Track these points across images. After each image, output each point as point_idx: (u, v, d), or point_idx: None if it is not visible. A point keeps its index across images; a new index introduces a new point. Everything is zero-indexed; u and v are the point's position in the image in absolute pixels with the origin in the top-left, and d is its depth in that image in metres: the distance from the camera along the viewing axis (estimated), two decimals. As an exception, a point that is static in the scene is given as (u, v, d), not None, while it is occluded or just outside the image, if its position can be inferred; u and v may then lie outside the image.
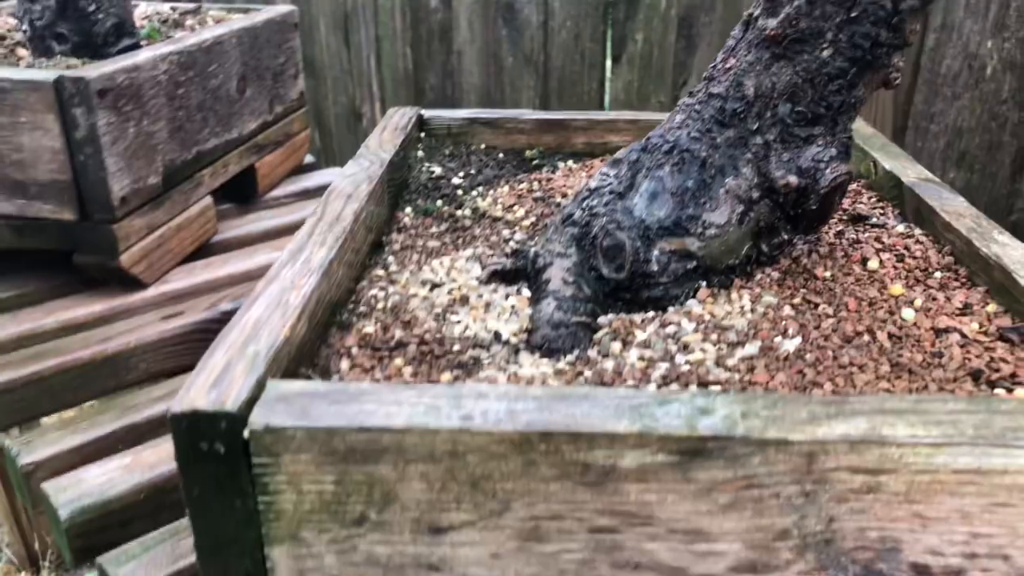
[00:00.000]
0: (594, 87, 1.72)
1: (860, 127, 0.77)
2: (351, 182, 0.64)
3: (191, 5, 1.21)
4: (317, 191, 1.22)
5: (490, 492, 0.38)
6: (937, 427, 0.37)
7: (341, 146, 2.31)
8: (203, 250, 1.03)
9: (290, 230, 1.11)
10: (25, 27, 1.00)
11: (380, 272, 0.60)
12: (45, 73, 0.82)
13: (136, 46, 1.02)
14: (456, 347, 0.50)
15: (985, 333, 0.48)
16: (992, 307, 0.50)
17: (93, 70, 0.83)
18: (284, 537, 0.39)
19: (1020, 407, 0.38)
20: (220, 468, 0.38)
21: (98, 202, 0.86)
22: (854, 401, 0.39)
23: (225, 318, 0.90)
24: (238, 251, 1.03)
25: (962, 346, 0.47)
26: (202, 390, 0.39)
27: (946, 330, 0.48)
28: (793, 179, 0.53)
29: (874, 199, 0.68)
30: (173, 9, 1.20)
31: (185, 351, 0.88)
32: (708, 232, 0.54)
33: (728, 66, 0.55)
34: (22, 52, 1.05)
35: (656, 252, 0.54)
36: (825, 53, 0.52)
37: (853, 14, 0.51)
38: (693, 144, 0.55)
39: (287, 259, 0.52)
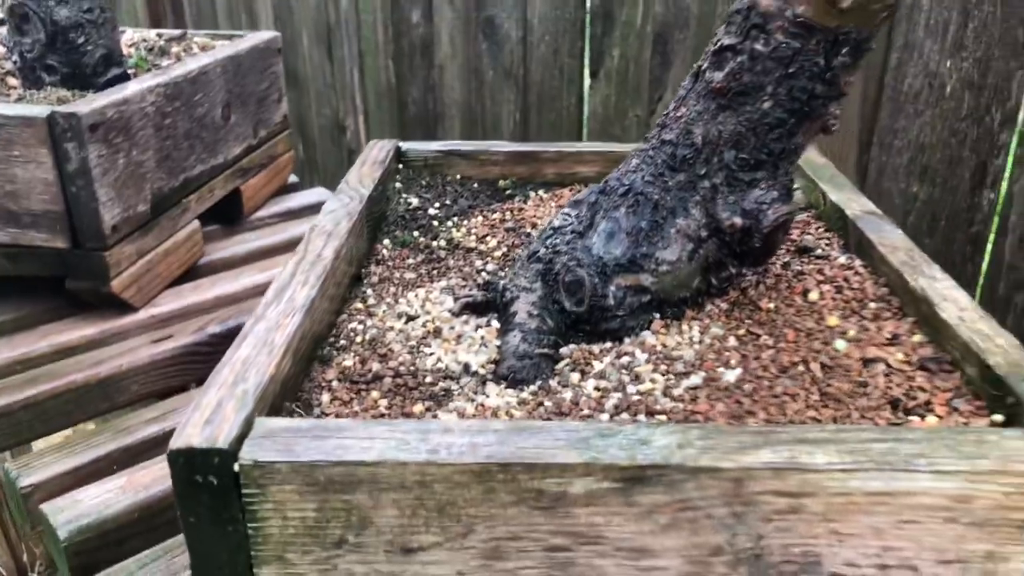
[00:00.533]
0: (573, 101, 1.77)
1: (812, 157, 0.83)
2: (332, 219, 0.69)
3: (176, 32, 1.25)
4: (301, 211, 1.26)
5: (455, 517, 0.43)
6: (850, 455, 0.42)
7: (325, 159, 2.35)
8: (191, 272, 1.07)
9: (275, 251, 1.15)
10: (15, 58, 1.04)
11: (359, 305, 0.65)
12: (38, 109, 0.87)
13: (124, 75, 1.06)
14: (428, 379, 0.55)
15: (908, 363, 0.53)
16: (918, 337, 0.56)
17: (84, 105, 0.87)
18: (271, 559, 0.44)
19: (924, 436, 0.44)
20: (213, 498, 0.43)
21: (90, 231, 0.90)
22: (779, 431, 0.44)
23: (213, 340, 0.95)
24: (224, 273, 1.08)
25: (886, 375, 0.52)
26: (197, 428, 0.44)
27: (874, 360, 0.53)
28: (738, 220, 0.58)
29: (822, 229, 0.73)
30: (159, 36, 1.24)
31: (175, 373, 0.93)
32: (661, 268, 0.59)
33: (679, 114, 0.61)
34: (12, 81, 1.10)
35: (613, 287, 0.59)
36: (766, 105, 0.57)
37: (791, 70, 0.56)
38: (647, 187, 0.60)
39: (272, 298, 0.57)
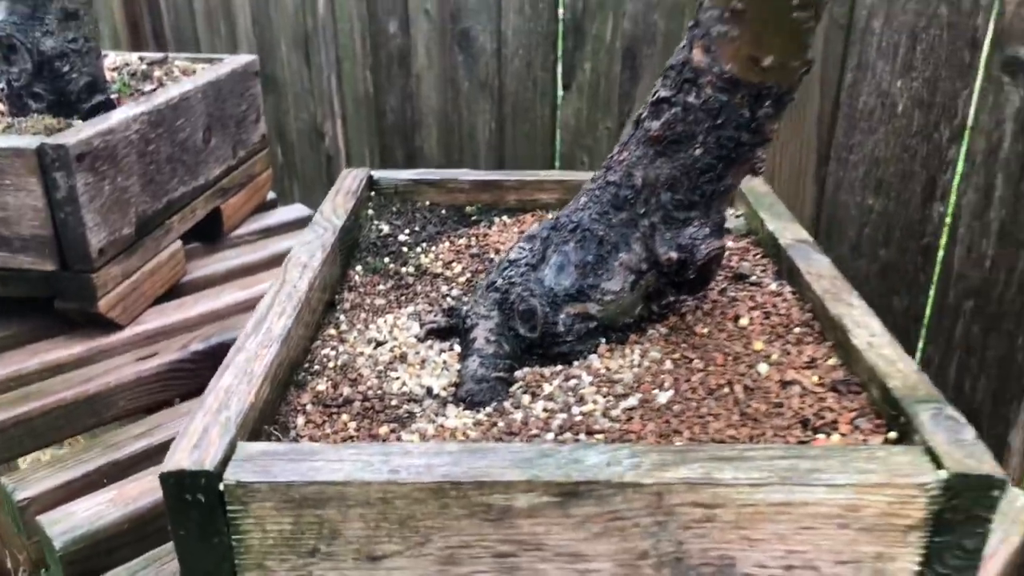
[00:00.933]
0: (546, 113, 1.84)
1: (756, 185, 0.90)
2: (307, 251, 0.75)
3: (158, 55, 1.31)
4: (279, 228, 1.33)
5: (414, 528, 0.50)
6: (757, 471, 0.50)
7: (303, 164, 2.41)
8: (174, 290, 1.13)
9: (255, 268, 1.21)
10: (2, 85, 1.09)
11: (332, 331, 0.71)
12: (28, 140, 0.93)
13: (108, 101, 1.12)
14: (394, 402, 0.62)
15: (822, 385, 0.60)
16: (832, 361, 0.63)
17: (72, 136, 0.93)
18: (252, 566, 0.51)
19: (821, 453, 0.51)
20: (201, 514, 0.50)
21: (77, 254, 0.96)
22: (696, 450, 0.51)
23: (196, 357, 1.01)
24: (207, 291, 1.14)
25: (801, 396, 0.59)
26: (186, 452, 0.50)
27: (791, 382, 0.61)
28: (674, 254, 0.66)
29: (759, 255, 0.81)
30: (141, 59, 1.30)
31: (160, 389, 0.99)
32: (606, 298, 0.66)
33: (622, 158, 0.68)
34: (-1, 107, 1.15)
35: (563, 316, 0.66)
36: (698, 152, 0.64)
37: (719, 120, 0.63)
38: (593, 224, 0.67)
39: (251, 329, 0.64)
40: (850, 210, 1.42)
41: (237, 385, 0.57)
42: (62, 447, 1.15)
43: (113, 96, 1.15)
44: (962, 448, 0.51)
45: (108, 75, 1.22)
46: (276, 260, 1.23)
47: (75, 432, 0.95)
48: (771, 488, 0.49)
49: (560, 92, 1.79)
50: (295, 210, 1.38)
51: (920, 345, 1.42)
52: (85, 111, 1.10)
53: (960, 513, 0.49)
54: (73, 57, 1.09)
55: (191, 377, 1.01)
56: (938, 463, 0.50)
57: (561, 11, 1.75)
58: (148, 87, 1.20)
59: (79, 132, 0.95)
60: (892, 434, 0.55)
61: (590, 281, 0.66)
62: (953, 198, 1.34)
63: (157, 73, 1.25)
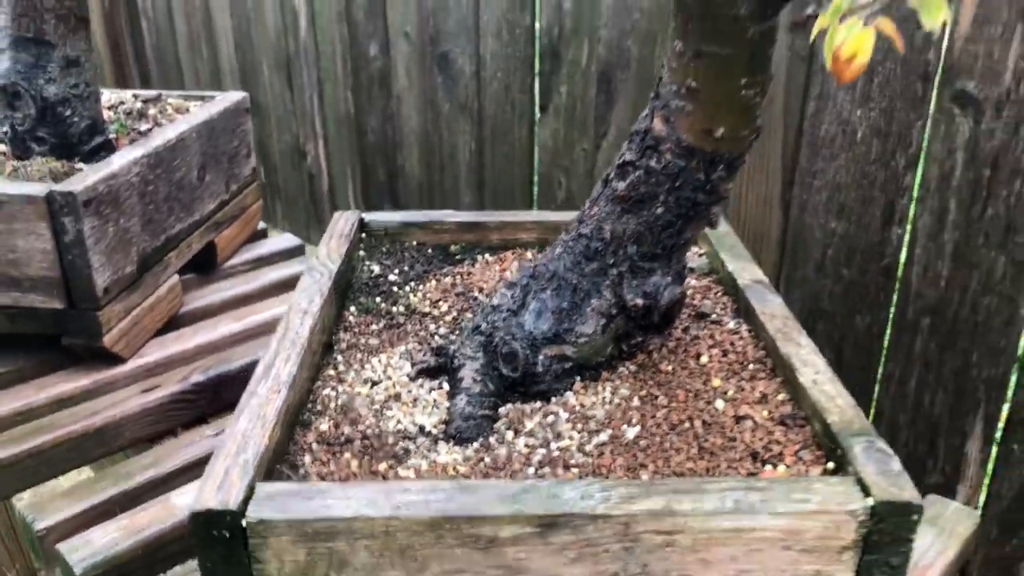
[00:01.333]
0: (524, 134, 1.92)
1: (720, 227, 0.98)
2: (306, 296, 0.83)
3: (151, 93, 1.38)
4: (270, 257, 1.40)
5: (413, 557, 0.58)
6: (711, 502, 0.58)
7: (286, 184, 2.48)
8: (173, 322, 1.20)
9: (248, 299, 1.29)
10: (6, 129, 1.16)
11: (331, 372, 0.79)
12: (38, 188, 1.00)
13: (107, 143, 1.19)
14: (391, 440, 0.70)
15: (771, 419, 0.69)
16: (782, 396, 0.72)
17: (79, 183, 1.00)
18: (271, 593, 0.59)
19: (767, 484, 0.59)
20: (226, 547, 0.57)
21: (84, 294, 1.03)
22: (659, 484, 0.59)
23: (196, 389, 1.09)
24: (203, 322, 1.21)
25: (752, 430, 0.68)
26: (211, 493, 0.58)
27: (744, 417, 0.69)
28: (640, 301, 0.74)
29: (720, 293, 0.89)
30: (135, 97, 1.37)
31: (164, 419, 1.06)
32: (580, 340, 0.75)
33: (592, 213, 0.76)
34: (1, 147, 1.22)
35: (542, 357, 0.74)
36: (659, 210, 0.72)
37: (678, 183, 0.71)
38: (567, 273, 0.76)
39: (261, 374, 0.71)
40: (815, 232, 1.52)
41: (252, 429, 0.64)
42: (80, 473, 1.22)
43: (111, 136, 1.22)
44: (888, 478, 0.59)
45: (105, 115, 1.29)
46: (268, 290, 1.31)
47: (85, 462, 1.02)
48: (723, 516, 0.58)
49: (537, 114, 1.87)
50: (285, 240, 1.45)
51: (882, 360, 1.52)
52: (86, 152, 1.17)
53: (886, 535, 0.58)
54: (75, 102, 1.16)
55: (191, 407, 1.08)
56: (867, 491, 0.58)
57: (538, 36, 1.83)
58: (144, 126, 1.27)
59: (85, 179, 1.02)
60: (830, 464, 0.64)
61: (566, 325, 0.75)
62: (910, 222, 1.44)
63: (152, 111, 1.32)
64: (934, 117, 1.34)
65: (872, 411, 1.56)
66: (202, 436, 1.02)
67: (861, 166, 1.44)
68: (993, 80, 1.25)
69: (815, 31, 0.53)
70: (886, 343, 1.51)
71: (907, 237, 1.44)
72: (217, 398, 1.10)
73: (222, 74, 2.53)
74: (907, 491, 0.58)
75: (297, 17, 2.24)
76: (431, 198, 2.12)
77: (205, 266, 1.32)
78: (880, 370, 1.52)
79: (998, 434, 1.39)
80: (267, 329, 1.20)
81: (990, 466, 1.43)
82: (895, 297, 1.48)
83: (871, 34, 0.50)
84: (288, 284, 1.33)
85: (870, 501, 0.58)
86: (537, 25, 1.81)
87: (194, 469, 0.98)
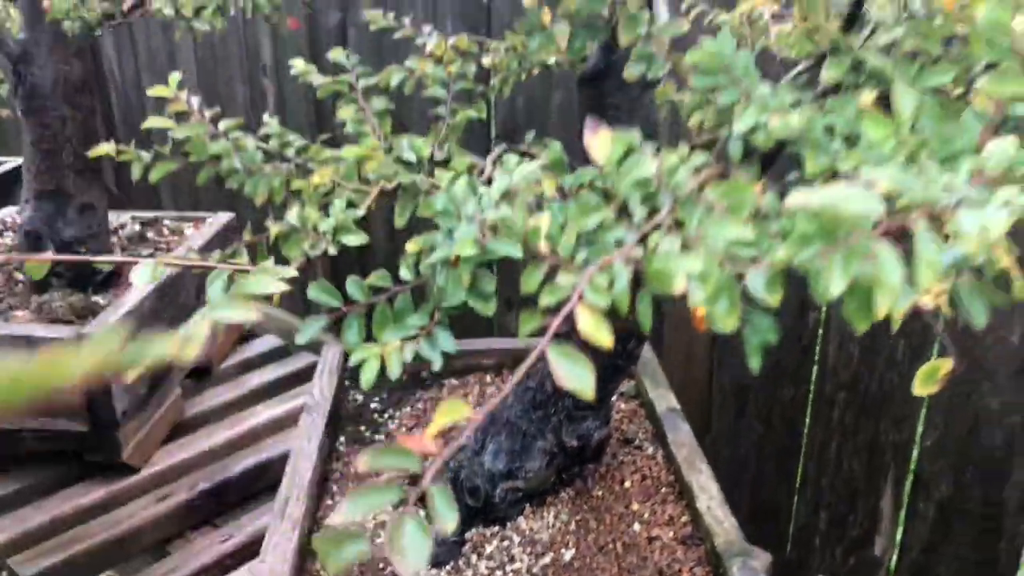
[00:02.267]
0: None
1: (644, 351, 1.22)
2: (306, 436, 1.04)
3: (148, 215, 1.58)
4: (257, 360, 1.61)
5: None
6: (624, 616, 0.81)
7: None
8: (176, 429, 1.41)
9: (240, 403, 1.49)
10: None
11: (330, 501, 1.01)
12: (65, 330, 1.20)
13: (114, 272, 1.39)
14: (380, 565, 0.91)
15: (676, 539, 0.92)
16: (685, 518, 0.95)
17: (100, 323, 1.21)
18: None
19: (665, 601, 0.82)
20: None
21: (105, 418, 1.24)
22: (586, 603, 0.82)
23: (203, 495, 1.29)
24: (204, 428, 1.42)
25: (660, 550, 0.90)
26: (249, 624, 0.80)
27: (655, 538, 0.92)
28: (575, 442, 0.97)
29: (643, 417, 1.12)
30: (133, 219, 1.57)
31: (176, 524, 1.27)
32: (529, 475, 0.97)
33: (537, 368, 0.99)
34: (19, 276, 1.42)
35: (499, 490, 0.97)
36: (588, 373, 0.95)
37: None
38: (518, 420, 0.98)
39: (278, 510, 0.93)
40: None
41: (281, 567, 0.86)
42: None
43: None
44: (755, 592, 0.82)
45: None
46: (257, 394, 1.52)
47: (109, 566, 1.22)
48: (633, 627, 0.80)
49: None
50: (268, 342, 1.66)
51: (805, 429, 1.76)
52: (98, 282, 1.37)
53: (753, 637, 0.81)
54: (89, 241, 1.36)
55: (199, 513, 1.29)
56: (739, 604, 0.81)
57: (493, 129, 2.07)
58: (145, 251, 1.48)
59: (107, 317, 1.22)
60: (716, 579, 0.87)
61: (517, 464, 0.97)
62: (823, 312, 1.69)
63: (150, 235, 1.53)
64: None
65: (800, 473, 1.80)
66: (212, 541, 1.23)
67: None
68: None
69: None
70: (809, 413, 1.76)
71: (823, 320, 1.69)
72: (221, 502, 1.30)
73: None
74: (768, 603, 0.81)
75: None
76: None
77: (201, 373, 1.52)
78: (805, 438, 1.77)
79: (906, 494, 1.63)
80: (261, 433, 1.41)
81: (901, 521, 1.68)
82: (814, 374, 1.73)
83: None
84: (275, 386, 1.54)
85: (740, 612, 0.81)
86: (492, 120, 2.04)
87: (209, 571, 1.18)
